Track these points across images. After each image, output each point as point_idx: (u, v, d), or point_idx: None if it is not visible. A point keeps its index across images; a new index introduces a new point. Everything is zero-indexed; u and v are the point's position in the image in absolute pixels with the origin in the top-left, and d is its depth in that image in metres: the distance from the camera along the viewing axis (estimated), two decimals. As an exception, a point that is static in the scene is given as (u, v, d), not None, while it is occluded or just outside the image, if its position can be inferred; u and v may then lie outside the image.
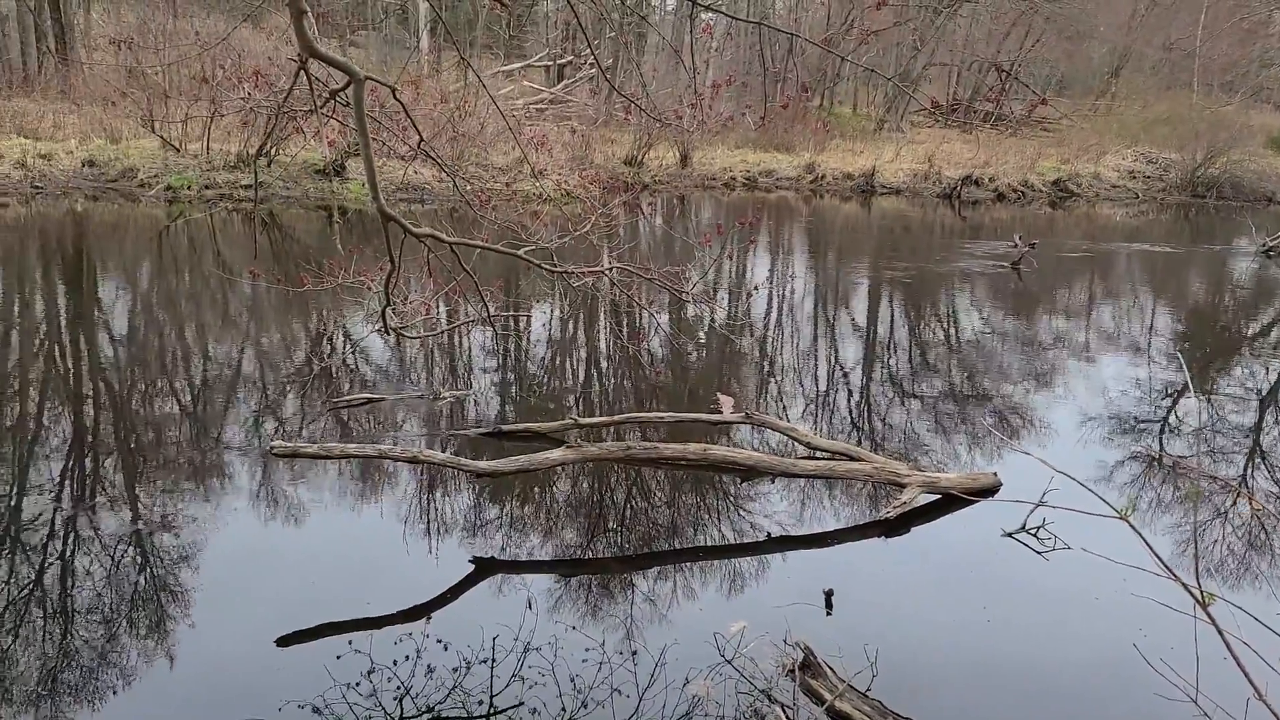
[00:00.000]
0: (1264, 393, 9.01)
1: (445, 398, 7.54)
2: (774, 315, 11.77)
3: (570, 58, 33.02)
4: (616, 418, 6.90)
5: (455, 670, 4.02)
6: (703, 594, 4.85)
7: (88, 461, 6.21)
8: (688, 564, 5.15)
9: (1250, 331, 12.16)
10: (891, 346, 10.49)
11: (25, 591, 4.56)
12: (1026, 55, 36.44)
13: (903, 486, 5.86)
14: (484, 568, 4.99)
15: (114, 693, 3.86)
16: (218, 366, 8.41)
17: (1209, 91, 37.88)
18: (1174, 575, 2.22)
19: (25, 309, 10.33)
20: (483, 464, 5.67)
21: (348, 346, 9.30)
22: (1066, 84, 42.07)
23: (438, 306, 9.14)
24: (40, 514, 5.34)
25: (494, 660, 4.09)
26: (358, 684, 3.89)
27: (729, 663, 4.14)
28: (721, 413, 6.87)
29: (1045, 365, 9.61)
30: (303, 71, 3.87)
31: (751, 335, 10.56)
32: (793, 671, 3.97)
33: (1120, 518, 2.13)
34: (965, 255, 16.33)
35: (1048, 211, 24.17)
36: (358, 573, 4.97)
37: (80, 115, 20.55)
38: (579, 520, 5.69)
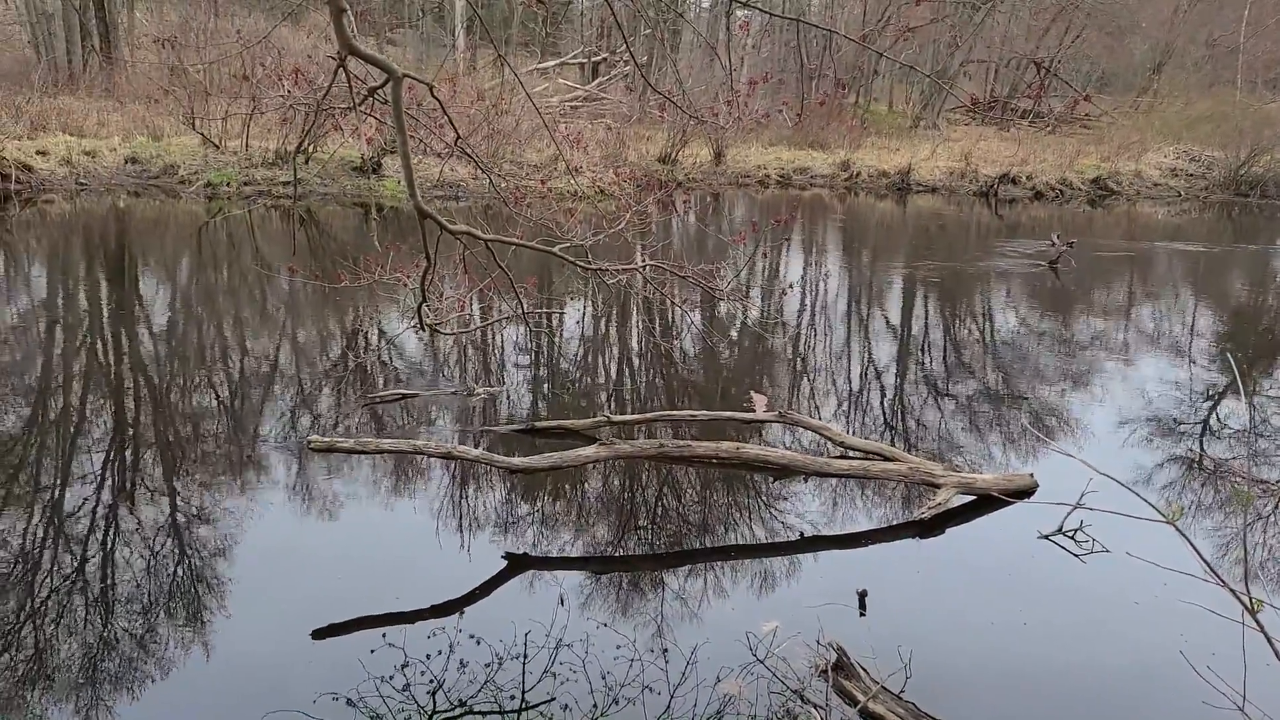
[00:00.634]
0: (1310, 396, 8.81)
1: (479, 394, 7.57)
2: (807, 314, 11.69)
3: (605, 55, 32.99)
4: (649, 415, 6.90)
5: (487, 665, 4.04)
6: (734, 593, 4.83)
7: (128, 454, 6.31)
8: (719, 563, 5.14)
9: (1296, 333, 11.90)
10: (925, 346, 10.38)
11: (66, 581, 4.64)
12: (1066, 51, 35.88)
13: (937, 487, 5.80)
14: (516, 564, 5.01)
15: (151, 681, 3.92)
16: (256, 361, 8.52)
17: (1253, 89, 37.08)
18: (1222, 582, 2.18)
19: (69, 303, 10.53)
20: (516, 460, 5.69)
21: (383, 342, 9.38)
22: (1107, 81, 41.39)
23: (472, 303, 9.18)
24: (82, 505, 5.44)
25: (526, 656, 4.11)
26: (391, 677, 3.92)
27: (761, 662, 4.12)
28: (754, 411, 6.84)
29: (1083, 365, 9.46)
30: (341, 69, 3.90)
31: (784, 334, 10.51)
32: (825, 672, 3.94)
33: (1168, 522, 2.09)
34: (1002, 254, 16.11)
35: (1086, 210, 23.80)
36: (392, 567, 5.01)
37: (123, 113, 20.95)
38: (611, 517, 5.69)
